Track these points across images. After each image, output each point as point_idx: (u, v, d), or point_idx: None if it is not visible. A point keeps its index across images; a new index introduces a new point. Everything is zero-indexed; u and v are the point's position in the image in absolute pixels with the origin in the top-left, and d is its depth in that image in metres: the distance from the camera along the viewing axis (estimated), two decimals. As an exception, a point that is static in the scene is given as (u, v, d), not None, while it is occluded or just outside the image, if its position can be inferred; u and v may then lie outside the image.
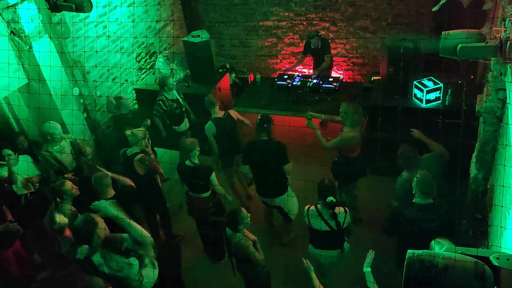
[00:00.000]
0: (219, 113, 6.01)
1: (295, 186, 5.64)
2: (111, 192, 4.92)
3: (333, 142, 5.45)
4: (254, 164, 5.40)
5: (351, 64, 8.63)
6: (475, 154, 4.56)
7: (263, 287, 4.79)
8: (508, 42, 2.90)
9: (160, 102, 6.56)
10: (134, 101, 7.84)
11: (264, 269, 4.63)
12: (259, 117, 5.41)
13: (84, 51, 6.37)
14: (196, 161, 5.25)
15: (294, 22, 8.55)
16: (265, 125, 5.31)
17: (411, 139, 5.01)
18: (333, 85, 7.26)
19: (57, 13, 5.60)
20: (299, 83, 7.46)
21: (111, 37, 6.99)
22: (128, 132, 5.54)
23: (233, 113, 6.13)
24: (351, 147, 5.44)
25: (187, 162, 5.29)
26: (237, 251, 4.44)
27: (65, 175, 5.68)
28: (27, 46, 5.44)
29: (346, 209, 4.51)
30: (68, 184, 4.88)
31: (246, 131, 6.15)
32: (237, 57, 9.34)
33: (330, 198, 4.36)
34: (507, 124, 3.33)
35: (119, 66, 7.35)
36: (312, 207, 4.52)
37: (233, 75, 8.58)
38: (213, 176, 5.29)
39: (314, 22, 8.39)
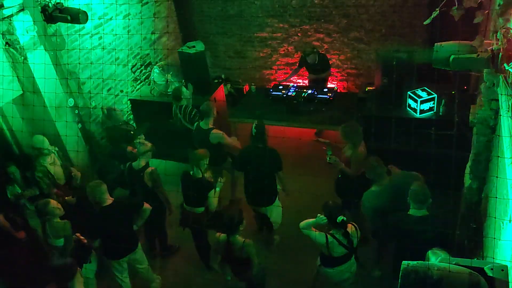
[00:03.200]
0: (207, 125, 5.92)
1: (291, 198, 5.65)
2: (110, 199, 4.90)
3: (355, 166, 5.21)
4: (246, 172, 5.42)
5: (346, 75, 8.69)
6: (469, 164, 4.58)
7: (263, 284, 4.87)
8: (500, 54, 2.93)
9: (184, 107, 6.53)
10: (129, 112, 7.84)
11: (260, 265, 4.73)
12: (253, 126, 5.38)
13: (79, 63, 6.37)
14: (202, 172, 5.22)
15: (288, 33, 8.61)
16: (260, 136, 5.32)
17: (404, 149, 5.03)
18: (327, 95, 7.29)
19: (52, 25, 5.62)
20: (294, 93, 7.48)
21: (106, 48, 7.00)
22: (140, 147, 5.50)
23: (215, 133, 5.86)
24: (352, 165, 5.28)
25: (193, 173, 5.24)
26: (242, 252, 4.48)
27: (66, 198, 5.68)
28: (22, 58, 5.43)
29: (355, 225, 4.43)
30: (53, 203, 4.87)
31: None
32: (232, 68, 9.38)
33: (341, 218, 4.25)
34: (499, 135, 3.36)
35: (114, 77, 7.35)
36: (329, 237, 4.33)
37: (229, 85, 8.60)
38: (212, 193, 5.25)
39: (309, 33, 8.45)
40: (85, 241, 5.02)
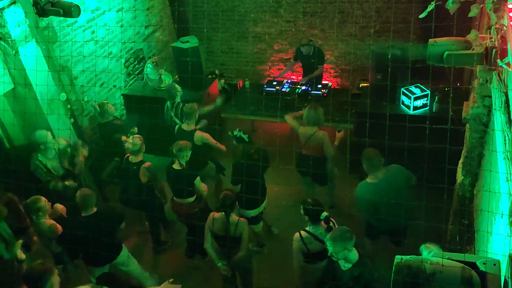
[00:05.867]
0: (189, 126, 5.90)
1: (280, 192, 5.67)
2: (93, 210, 4.79)
3: (290, 121, 5.89)
4: (244, 181, 5.25)
5: (340, 71, 8.68)
6: (461, 160, 4.61)
7: (249, 271, 4.99)
8: (494, 50, 2.94)
9: (177, 104, 6.52)
10: (122, 107, 7.79)
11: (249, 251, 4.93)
12: (242, 134, 5.30)
13: (72, 56, 6.31)
14: (184, 163, 5.25)
15: (283, 28, 8.59)
16: (241, 145, 5.30)
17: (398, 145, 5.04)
18: (321, 91, 7.30)
19: (45, 18, 5.55)
20: (288, 89, 7.48)
21: (99, 42, 6.95)
22: (128, 145, 5.46)
23: (199, 134, 5.85)
24: (309, 145, 5.59)
25: (175, 166, 5.29)
26: (235, 231, 4.60)
27: (66, 182, 5.65)
28: (14, 51, 5.38)
29: (333, 221, 4.36)
30: (43, 201, 4.81)
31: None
32: (226, 63, 9.35)
33: (324, 214, 4.27)
34: (493, 130, 3.37)
35: (107, 71, 7.30)
36: (304, 233, 4.39)
37: (222, 81, 8.58)
38: (198, 180, 5.30)
39: (303, 28, 8.44)
40: None
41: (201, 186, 5.38)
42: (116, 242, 5.03)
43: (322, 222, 4.35)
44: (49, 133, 5.58)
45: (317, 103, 6.00)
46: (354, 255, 3.77)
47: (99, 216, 4.77)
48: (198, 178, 5.34)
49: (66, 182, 5.65)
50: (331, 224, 4.31)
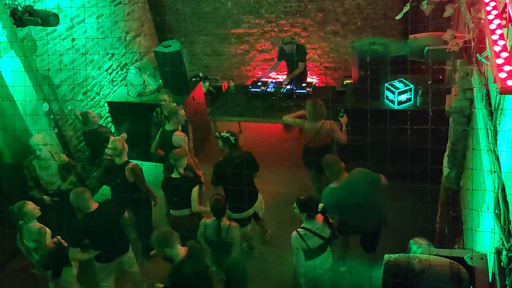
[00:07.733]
0: (171, 127, 5.97)
1: (271, 194, 5.64)
2: (94, 205, 4.80)
3: (291, 120, 5.85)
4: (226, 183, 5.23)
5: (323, 69, 8.71)
6: (447, 153, 4.65)
7: (243, 276, 4.96)
8: (472, 44, 2.97)
9: (158, 109, 6.53)
10: (107, 114, 7.72)
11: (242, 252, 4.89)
12: (219, 141, 5.28)
13: (49, 69, 6.19)
14: (182, 171, 5.21)
15: (265, 29, 8.59)
16: (227, 146, 5.25)
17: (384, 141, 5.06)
18: (306, 90, 7.30)
19: (23, 28, 5.47)
20: (272, 89, 7.47)
21: (80, 50, 6.87)
22: (107, 150, 5.44)
23: (178, 135, 5.88)
24: (318, 138, 5.60)
25: (174, 175, 5.22)
26: (226, 235, 4.58)
27: (44, 197, 5.67)
28: (-8, 64, 5.30)
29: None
30: (30, 206, 4.80)
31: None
32: (209, 66, 9.32)
33: (321, 206, 4.33)
34: (474, 128, 3.40)
35: (90, 80, 7.22)
36: (301, 230, 4.38)
37: (207, 83, 8.55)
38: (195, 190, 5.24)
39: (285, 28, 8.45)
40: (66, 244, 4.94)
41: (196, 197, 5.28)
42: (123, 240, 5.09)
43: (318, 216, 4.40)
44: (44, 137, 5.54)
45: (317, 98, 5.93)
46: (177, 256, 4.04)
47: (100, 211, 4.81)
48: (197, 187, 5.28)
49: (44, 197, 5.64)
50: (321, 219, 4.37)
